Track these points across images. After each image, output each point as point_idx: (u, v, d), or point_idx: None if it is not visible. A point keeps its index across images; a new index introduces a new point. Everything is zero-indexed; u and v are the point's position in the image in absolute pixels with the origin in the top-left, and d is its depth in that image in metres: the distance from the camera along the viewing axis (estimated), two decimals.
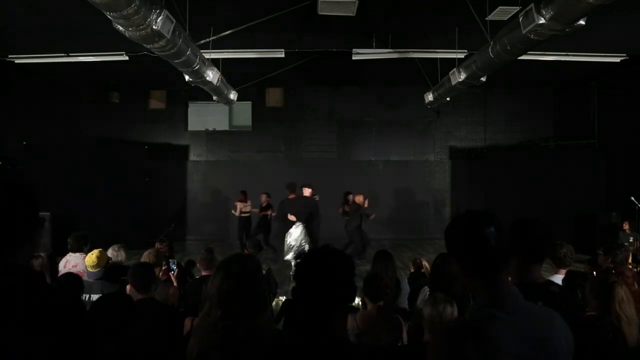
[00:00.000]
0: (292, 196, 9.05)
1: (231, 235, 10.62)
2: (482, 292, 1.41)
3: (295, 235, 8.39)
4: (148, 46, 5.67)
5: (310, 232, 8.60)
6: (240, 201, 10.59)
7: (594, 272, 3.88)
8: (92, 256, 3.83)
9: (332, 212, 12.61)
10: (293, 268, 5.80)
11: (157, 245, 5.49)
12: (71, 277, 3.62)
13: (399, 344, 3.13)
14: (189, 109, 13.71)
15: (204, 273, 4.37)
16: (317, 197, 9.24)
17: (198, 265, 4.53)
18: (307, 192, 8.96)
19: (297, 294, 1.54)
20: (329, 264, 1.50)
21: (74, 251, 4.50)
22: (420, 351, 2.53)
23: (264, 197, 10.54)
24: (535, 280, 2.06)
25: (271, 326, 2.04)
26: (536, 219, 2.18)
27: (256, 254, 5.29)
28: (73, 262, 4.36)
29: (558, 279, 3.41)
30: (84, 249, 4.46)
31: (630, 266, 5.90)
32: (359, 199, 9.81)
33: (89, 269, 3.84)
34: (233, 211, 10.71)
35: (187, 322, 2.97)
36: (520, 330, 1.32)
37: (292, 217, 8.46)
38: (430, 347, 1.42)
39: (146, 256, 4.12)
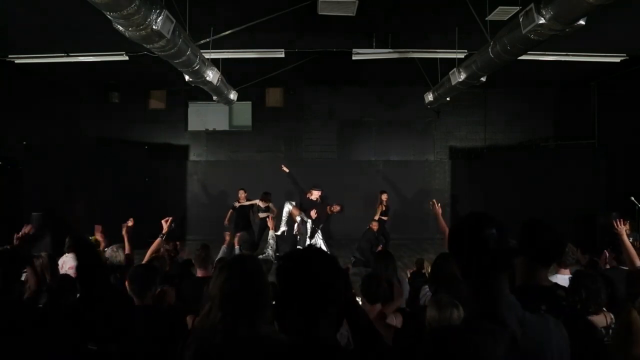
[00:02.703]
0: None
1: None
2: (476, 298, 1.38)
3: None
4: (148, 46, 5.67)
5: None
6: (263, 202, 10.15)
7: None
8: None
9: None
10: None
11: (164, 245, 5.46)
12: (64, 280, 3.58)
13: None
14: (189, 109, 13.70)
15: (198, 272, 4.33)
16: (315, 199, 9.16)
17: (194, 262, 4.49)
18: (315, 194, 8.93)
19: (280, 297, 1.50)
20: (309, 266, 1.46)
21: (71, 252, 4.49)
22: (412, 353, 2.53)
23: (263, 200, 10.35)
24: (541, 282, 2.03)
25: (270, 327, 2.03)
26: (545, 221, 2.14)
27: (252, 253, 5.28)
28: (70, 264, 4.35)
29: (559, 278, 3.40)
30: None
31: None
32: (334, 207, 9.23)
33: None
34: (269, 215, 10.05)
35: (189, 320, 2.96)
36: (511, 343, 1.29)
37: (313, 213, 8.63)
38: (419, 349, 1.40)
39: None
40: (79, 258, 2.14)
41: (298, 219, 8.81)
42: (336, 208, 9.07)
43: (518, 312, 1.35)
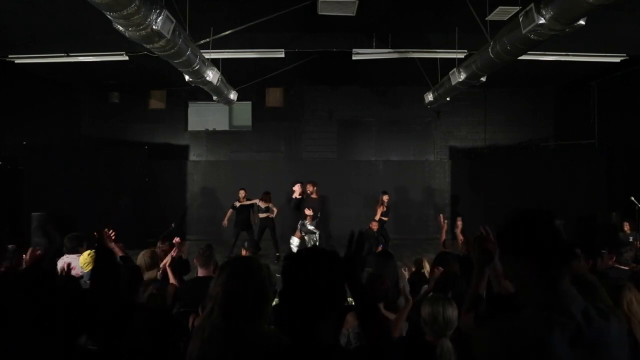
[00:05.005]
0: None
1: (231, 235, 10.56)
2: (537, 292, 1.39)
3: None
4: (148, 46, 5.67)
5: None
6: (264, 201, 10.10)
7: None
8: (85, 255, 3.82)
9: (337, 211, 12.67)
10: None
11: (160, 244, 5.45)
12: (68, 278, 3.58)
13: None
14: (189, 109, 13.70)
15: (199, 271, 4.30)
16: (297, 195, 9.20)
17: (195, 261, 4.45)
18: (297, 191, 9.00)
19: (282, 296, 1.50)
20: (313, 267, 1.46)
21: (69, 252, 4.48)
22: (415, 351, 2.54)
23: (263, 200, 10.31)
24: None
25: (270, 328, 2.03)
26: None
27: (254, 254, 5.27)
28: (73, 264, 4.34)
29: None
30: (80, 250, 4.44)
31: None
32: (308, 188, 9.17)
33: (83, 269, 3.84)
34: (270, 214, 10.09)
35: (191, 320, 2.97)
36: (577, 334, 1.30)
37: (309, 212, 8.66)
38: (475, 344, 1.40)
39: (141, 257, 4.06)
40: (99, 261, 2.20)
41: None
42: (310, 188, 9.11)
43: (580, 304, 1.36)
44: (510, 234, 1.48)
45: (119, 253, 4.02)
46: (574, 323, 1.30)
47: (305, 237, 8.79)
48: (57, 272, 4.22)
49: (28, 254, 3.68)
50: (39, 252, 3.82)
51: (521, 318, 1.37)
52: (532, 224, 1.45)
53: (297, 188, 9.12)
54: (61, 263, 4.37)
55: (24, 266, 3.70)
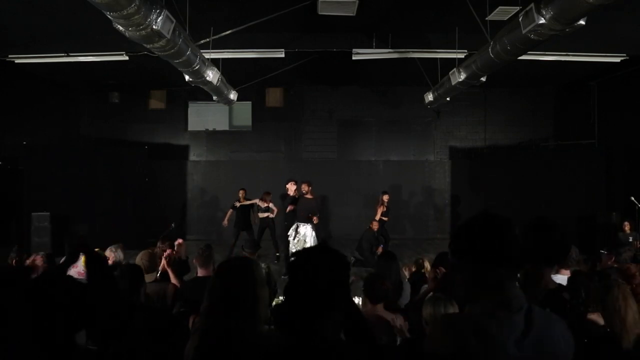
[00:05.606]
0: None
1: (231, 235, 10.56)
2: (487, 296, 1.41)
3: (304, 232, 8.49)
4: (148, 46, 5.68)
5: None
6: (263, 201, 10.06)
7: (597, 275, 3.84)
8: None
9: (337, 211, 12.71)
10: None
11: (160, 244, 5.45)
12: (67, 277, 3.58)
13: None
14: (189, 109, 13.71)
15: (199, 271, 4.29)
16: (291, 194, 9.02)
17: (194, 261, 4.44)
18: (292, 189, 8.84)
19: (287, 294, 1.50)
20: (318, 264, 1.46)
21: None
22: (413, 350, 2.55)
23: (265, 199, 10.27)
24: (546, 286, 2.02)
25: (269, 328, 2.03)
26: (553, 220, 2.15)
27: (254, 254, 5.28)
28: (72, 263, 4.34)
29: (560, 278, 3.40)
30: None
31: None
32: (303, 188, 8.81)
33: (84, 269, 3.82)
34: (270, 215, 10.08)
35: (191, 320, 2.96)
36: (519, 329, 1.33)
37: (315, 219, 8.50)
38: (430, 336, 1.43)
39: (139, 260, 4.02)
40: (89, 269, 2.23)
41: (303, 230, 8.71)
42: (305, 187, 8.87)
43: (524, 305, 1.40)
44: (460, 238, 1.50)
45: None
46: (520, 324, 1.35)
47: (291, 246, 8.52)
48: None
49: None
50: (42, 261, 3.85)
51: (471, 317, 1.41)
52: (481, 228, 1.46)
53: (290, 186, 8.97)
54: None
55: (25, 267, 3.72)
